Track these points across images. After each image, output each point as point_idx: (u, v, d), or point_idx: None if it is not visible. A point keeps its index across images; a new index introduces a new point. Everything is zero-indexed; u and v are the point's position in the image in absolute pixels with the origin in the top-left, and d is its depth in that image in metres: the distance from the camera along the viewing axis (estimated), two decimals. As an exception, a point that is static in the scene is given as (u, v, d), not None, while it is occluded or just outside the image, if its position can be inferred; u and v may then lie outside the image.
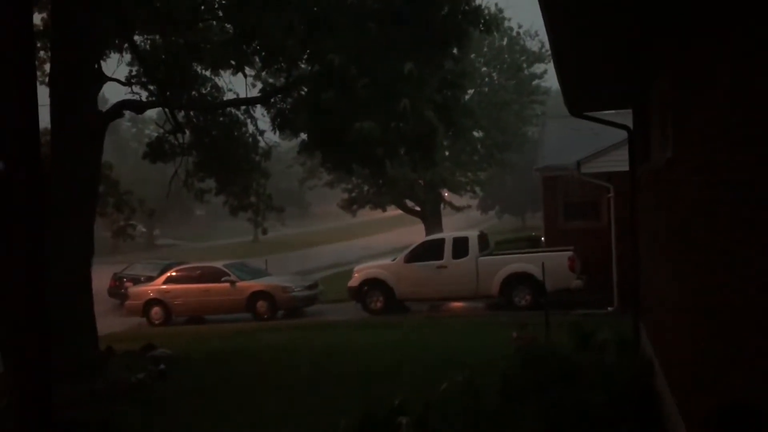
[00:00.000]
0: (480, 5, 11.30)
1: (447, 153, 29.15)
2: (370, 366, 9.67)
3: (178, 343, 13.47)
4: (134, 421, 5.97)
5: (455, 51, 11.50)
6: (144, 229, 48.04)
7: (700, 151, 3.93)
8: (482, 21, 10.89)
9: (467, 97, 29.30)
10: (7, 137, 3.57)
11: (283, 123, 12.14)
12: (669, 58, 5.12)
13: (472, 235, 16.93)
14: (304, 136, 12.75)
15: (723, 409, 2.63)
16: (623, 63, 6.77)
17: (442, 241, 17.10)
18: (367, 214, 43.05)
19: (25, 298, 3.32)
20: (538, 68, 34.06)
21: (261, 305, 17.90)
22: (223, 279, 18.17)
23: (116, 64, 13.56)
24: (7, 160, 3.45)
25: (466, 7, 10.65)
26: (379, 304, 16.79)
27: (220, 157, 13.71)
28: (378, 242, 44.27)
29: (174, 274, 18.87)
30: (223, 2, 12.01)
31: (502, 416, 5.68)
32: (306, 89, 11.54)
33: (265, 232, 17.30)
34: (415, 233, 31.46)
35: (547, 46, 28.69)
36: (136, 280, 22.15)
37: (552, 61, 6.55)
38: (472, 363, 8.48)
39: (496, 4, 32.39)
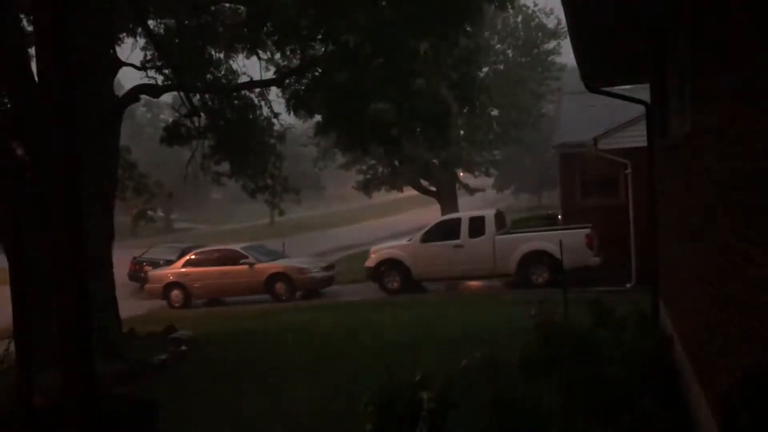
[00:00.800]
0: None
1: (462, 132, 29.05)
2: (389, 344, 9.76)
3: (198, 325, 13.66)
4: (161, 400, 6.10)
5: (469, 28, 11.39)
6: (162, 214, 48.49)
7: (720, 125, 3.90)
8: (498, -2, 10.79)
9: (482, 74, 29.17)
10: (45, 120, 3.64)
11: (297, 104, 12.15)
12: (688, 29, 5.05)
13: (489, 214, 16.91)
14: (319, 117, 12.76)
15: (747, 378, 2.63)
16: (641, 34, 6.69)
17: (458, 220, 17.10)
18: (382, 196, 43.12)
19: (69, 279, 3.40)
20: (552, 44, 33.74)
21: (279, 287, 18.07)
22: (241, 261, 18.34)
23: (130, 49, 13.60)
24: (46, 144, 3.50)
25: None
26: (396, 284, 16.89)
27: (235, 140, 13.77)
28: (394, 223, 44.36)
29: (193, 257, 19.07)
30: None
31: (522, 391, 5.70)
32: (320, 70, 11.53)
33: (281, 213, 17.40)
34: (431, 214, 31.46)
35: (563, 23, 28.45)
36: (155, 264, 22.41)
37: (568, 35, 6.49)
38: (490, 340, 8.55)
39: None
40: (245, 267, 18.26)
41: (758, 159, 2.97)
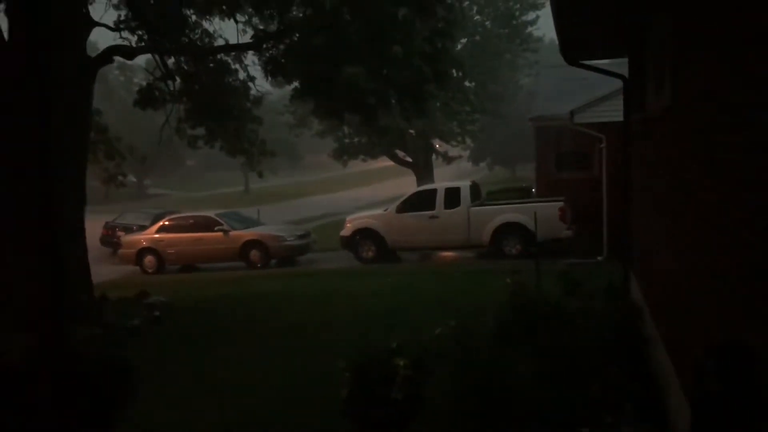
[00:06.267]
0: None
1: (438, 103, 28.96)
2: (364, 312, 9.84)
3: (172, 291, 13.60)
4: (134, 363, 6.10)
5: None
6: (134, 179, 47.78)
7: (700, 98, 3.94)
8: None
9: (459, 46, 28.97)
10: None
11: (274, 69, 11.96)
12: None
13: (464, 185, 16.98)
14: (296, 83, 12.59)
15: (717, 348, 2.71)
16: (622, 6, 6.69)
17: (434, 191, 17.16)
18: (358, 165, 42.93)
19: (40, 244, 3.37)
20: (530, 16, 33.57)
21: (254, 254, 18.03)
22: (216, 228, 18.22)
23: (104, 8, 13.21)
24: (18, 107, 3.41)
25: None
26: (371, 253, 16.98)
27: (210, 104, 13.55)
28: (369, 193, 44.39)
29: (167, 223, 18.89)
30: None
31: (495, 358, 5.81)
32: (298, 35, 11.33)
33: (261, 175, 17.24)
34: (407, 184, 31.50)
35: (541, -8, 28.09)
36: (128, 229, 22.17)
37: (550, 7, 6.45)
38: (464, 309, 8.64)
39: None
40: (220, 234, 18.16)
41: (737, 132, 3.02)
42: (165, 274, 18.09)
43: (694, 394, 3.13)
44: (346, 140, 32.98)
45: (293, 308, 11.01)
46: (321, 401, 5.67)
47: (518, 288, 7.66)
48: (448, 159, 36.02)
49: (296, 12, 11.63)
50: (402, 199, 17.34)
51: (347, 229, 17.43)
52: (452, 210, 16.32)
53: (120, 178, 14.73)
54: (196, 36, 13.38)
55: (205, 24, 13.36)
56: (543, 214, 14.60)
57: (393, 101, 12.10)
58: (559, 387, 5.71)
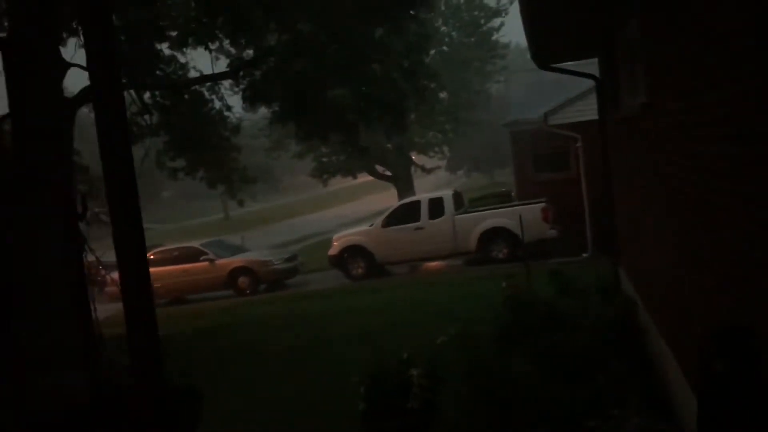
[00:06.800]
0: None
1: (413, 116, 29.22)
2: (365, 327, 9.90)
3: (164, 325, 13.42)
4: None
5: (421, 14, 11.47)
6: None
7: (677, 93, 4.12)
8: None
9: (427, 58, 29.30)
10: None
11: (253, 96, 12.06)
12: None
13: (447, 194, 17.16)
14: (275, 107, 12.67)
15: (719, 331, 2.83)
16: (591, 10, 6.89)
17: (417, 203, 17.32)
18: (337, 183, 42.98)
19: (131, 280, 3.50)
20: (495, 22, 34.09)
21: (242, 281, 18.01)
22: (201, 258, 18.18)
23: (74, 49, 13.22)
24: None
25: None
26: (360, 270, 17.05)
27: (190, 136, 13.59)
28: (351, 210, 44.44)
29: (152, 257, 18.77)
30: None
31: (499, 362, 5.93)
32: (276, 60, 11.45)
33: (241, 203, 17.30)
34: (388, 198, 31.66)
35: (504, 0, 28.49)
36: (113, 267, 21.96)
37: (520, 12, 6.62)
38: (463, 316, 8.76)
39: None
40: (206, 263, 18.11)
41: (719, 125, 3.18)
42: (155, 308, 17.94)
43: (699, 379, 3.26)
44: (325, 159, 33.11)
45: (293, 330, 11.04)
46: (337, 416, 5.74)
47: (514, 291, 7.79)
48: (426, 170, 36.27)
49: (271, 38, 11.77)
50: (386, 214, 17.47)
51: (335, 248, 17.50)
52: (437, 220, 16.48)
53: (103, 217, 14.64)
54: (170, 69, 13.45)
55: (179, 56, 13.44)
56: (527, 217, 14.85)
57: (374, 117, 12.26)
58: (564, 384, 5.84)
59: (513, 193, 20.15)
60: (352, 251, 17.12)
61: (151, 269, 17.65)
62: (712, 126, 3.27)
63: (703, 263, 3.75)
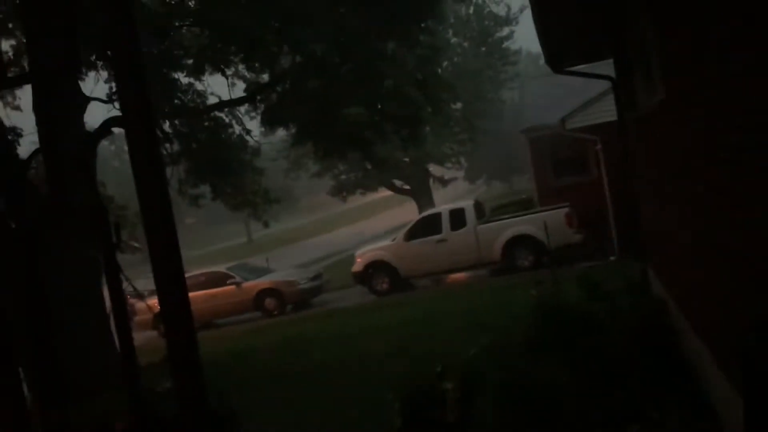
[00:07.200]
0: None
1: (428, 128, 29.28)
2: (397, 342, 9.87)
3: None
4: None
5: (431, 25, 11.53)
6: (138, 245, 47.83)
7: (693, 88, 4.09)
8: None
9: (439, 70, 29.42)
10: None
11: (272, 119, 12.18)
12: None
13: (468, 205, 17.11)
14: (292, 129, 12.78)
15: (762, 327, 2.78)
16: (604, 15, 6.90)
17: (438, 215, 17.27)
18: (356, 200, 43.15)
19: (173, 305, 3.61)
20: (505, 31, 34.18)
21: (269, 302, 18.10)
22: (228, 282, 18.31)
23: (94, 83, 13.50)
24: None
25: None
26: (385, 285, 17.02)
27: (211, 162, 13.75)
28: (372, 226, 44.45)
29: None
30: (196, 7, 11.88)
31: (532, 370, 5.87)
32: (291, 82, 11.57)
33: (267, 225, 17.44)
34: (407, 212, 31.67)
35: (513, 9, 28.74)
36: (141, 295, 22.17)
37: (532, 17, 6.63)
38: (493, 325, 8.70)
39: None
40: (233, 287, 18.24)
41: (738, 117, 3.15)
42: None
43: (743, 378, 3.20)
44: (343, 177, 33.27)
45: (326, 348, 11.01)
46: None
47: (544, 298, 7.73)
48: (444, 182, 36.26)
49: (285, 60, 11.90)
50: (408, 227, 17.46)
51: (358, 264, 17.51)
52: (460, 231, 16.41)
53: (134, 244, 14.87)
54: (188, 97, 13.64)
55: (197, 83, 13.64)
56: (550, 223, 14.82)
57: (390, 132, 12.30)
58: (600, 389, 5.77)
59: (534, 200, 20.04)
60: (376, 267, 17.12)
61: (179, 296, 17.51)
62: (729, 119, 3.24)
63: (737, 257, 3.70)
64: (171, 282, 3.46)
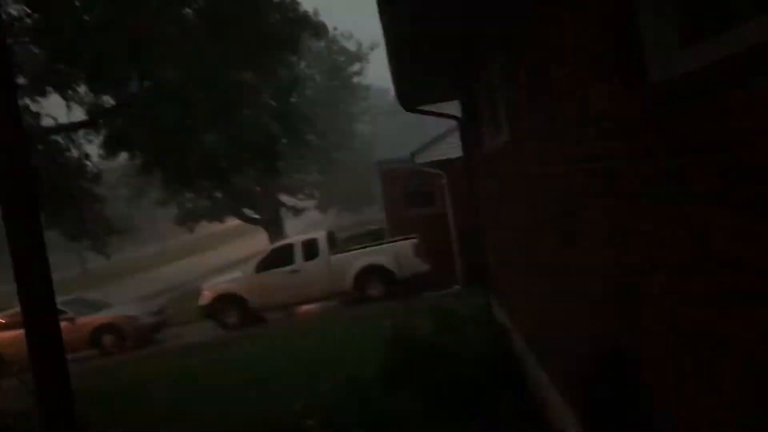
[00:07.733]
0: (306, 11, 11.48)
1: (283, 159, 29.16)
2: (249, 378, 9.54)
3: (23, 395, 12.30)
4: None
5: (291, 58, 11.54)
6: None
7: (532, 133, 4.45)
8: (313, 27, 11.07)
9: (296, 101, 29.51)
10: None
11: (116, 144, 11.46)
12: (497, 49, 5.64)
13: (321, 235, 17.15)
14: (138, 155, 12.09)
15: (601, 358, 3.02)
16: (455, 61, 7.30)
17: (291, 245, 17.13)
18: (204, 229, 41.68)
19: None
20: (356, 67, 35.11)
21: (107, 339, 16.86)
22: (60, 318, 16.81)
23: None
24: None
25: (292, 15, 10.74)
26: (234, 319, 16.51)
27: (46, 189, 12.61)
28: (219, 256, 43.13)
29: (2, 321, 17.14)
30: (32, 26, 10.92)
31: (387, 402, 5.96)
32: (139, 107, 10.99)
33: (108, 257, 16.28)
34: (257, 242, 31.13)
35: (364, 45, 29.56)
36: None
37: (387, 59, 6.88)
38: (345, 358, 8.72)
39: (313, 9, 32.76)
40: (65, 323, 16.74)
41: (574, 163, 3.45)
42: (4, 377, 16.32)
43: (584, 404, 3.45)
44: (189, 204, 32.03)
45: (174, 387, 10.34)
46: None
47: (396, 329, 7.90)
48: (296, 211, 36.11)
49: (134, 84, 11.27)
50: (259, 258, 17.14)
51: (206, 297, 16.87)
52: (312, 261, 16.37)
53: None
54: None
55: (31, 105, 12.50)
56: (400, 253, 15.33)
57: (245, 162, 12.04)
58: (452, 417, 5.97)
59: (384, 231, 20.54)
60: (225, 299, 16.58)
61: (1, 335, 15.86)
62: (564, 164, 3.55)
63: (573, 288, 3.98)
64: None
